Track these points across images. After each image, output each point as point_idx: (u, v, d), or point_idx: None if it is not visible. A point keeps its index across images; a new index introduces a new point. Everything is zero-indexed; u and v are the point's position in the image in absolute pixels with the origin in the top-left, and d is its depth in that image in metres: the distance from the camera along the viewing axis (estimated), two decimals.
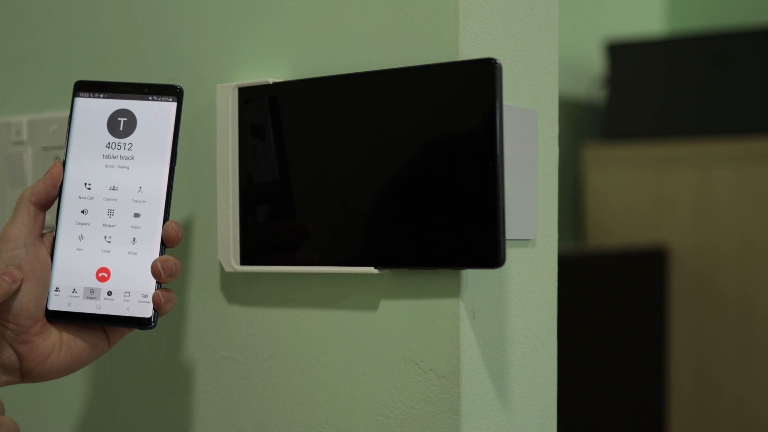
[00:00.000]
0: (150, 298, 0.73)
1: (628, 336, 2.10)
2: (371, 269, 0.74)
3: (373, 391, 0.77)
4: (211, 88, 0.85)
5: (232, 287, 0.85)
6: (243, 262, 0.81)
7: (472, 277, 0.73)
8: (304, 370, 0.81)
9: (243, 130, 0.80)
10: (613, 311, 2.04)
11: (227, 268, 0.82)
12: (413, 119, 0.72)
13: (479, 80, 0.69)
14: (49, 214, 0.77)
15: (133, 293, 0.74)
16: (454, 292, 0.72)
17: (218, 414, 0.86)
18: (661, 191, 2.24)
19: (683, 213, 2.21)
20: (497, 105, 0.68)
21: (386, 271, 0.74)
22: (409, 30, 0.75)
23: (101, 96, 0.76)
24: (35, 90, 1.00)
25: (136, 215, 0.74)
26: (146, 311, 0.73)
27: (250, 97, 0.80)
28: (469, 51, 0.73)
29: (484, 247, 0.69)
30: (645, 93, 2.33)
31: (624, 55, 2.35)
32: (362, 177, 0.74)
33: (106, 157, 0.75)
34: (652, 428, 2.19)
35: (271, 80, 0.79)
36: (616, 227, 2.31)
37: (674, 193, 2.23)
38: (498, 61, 0.68)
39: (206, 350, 0.87)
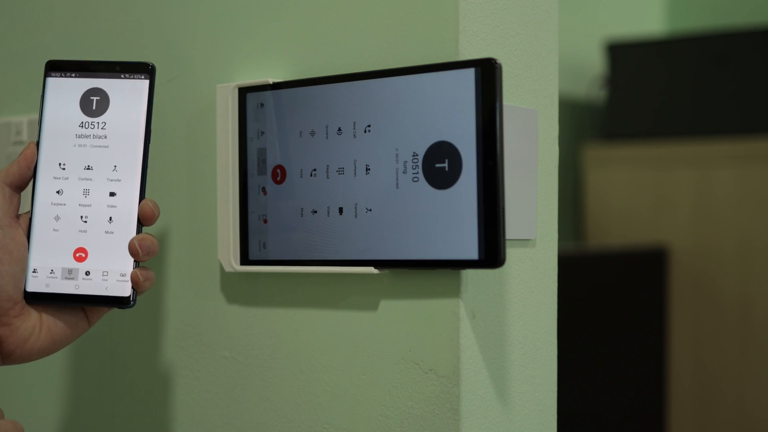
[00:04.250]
0: (128, 277, 0.73)
1: (628, 336, 2.10)
2: (371, 269, 0.74)
3: (373, 391, 0.77)
4: (211, 88, 0.85)
5: (232, 287, 0.85)
6: (243, 262, 0.81)
7: (472, 277, 0.73)
8: (304, 370, 0.81)
9: (243, 130, 0.80)
10: (613, 311, 2.04)
11: (227, 268, 0.82)
12: (413, 119, 0.72)
13: (479, 80, 0.69)
14: (25, 197, 0.76)
15: (111, 272, 0.74)
16: (454, 292, 0.72)
17: (218, 414, 0.86)
18: (661, 191, 2.24)
19: (683, 213, 2.21)
20: (497, 105, 0.68)
21: (386, 271, 0.74)
22: (409, 30, 0.75)
23: (73, 75, 0.76)
24: (35, 90, 0.99)
25: (112, 194, 0.74)
26: (125, 290, 0.73)
27: (250, 97, 0.80)
28: (469, 51, 0.73)
29: (484, 247, 0.69)
30: (645, 93, 2.33)
31: (624, 55, 2.35)
32: (362, 176, 0.74)
33: (80, 136, 0.75)
34: (652, 428, 2.18)
35: (271, 80, 0.79)
36: (616, 227, 2.31)
37: (674, 193, 2.23)
38: (498, 61, 0.68)
39: (206, 350, 0.87)
